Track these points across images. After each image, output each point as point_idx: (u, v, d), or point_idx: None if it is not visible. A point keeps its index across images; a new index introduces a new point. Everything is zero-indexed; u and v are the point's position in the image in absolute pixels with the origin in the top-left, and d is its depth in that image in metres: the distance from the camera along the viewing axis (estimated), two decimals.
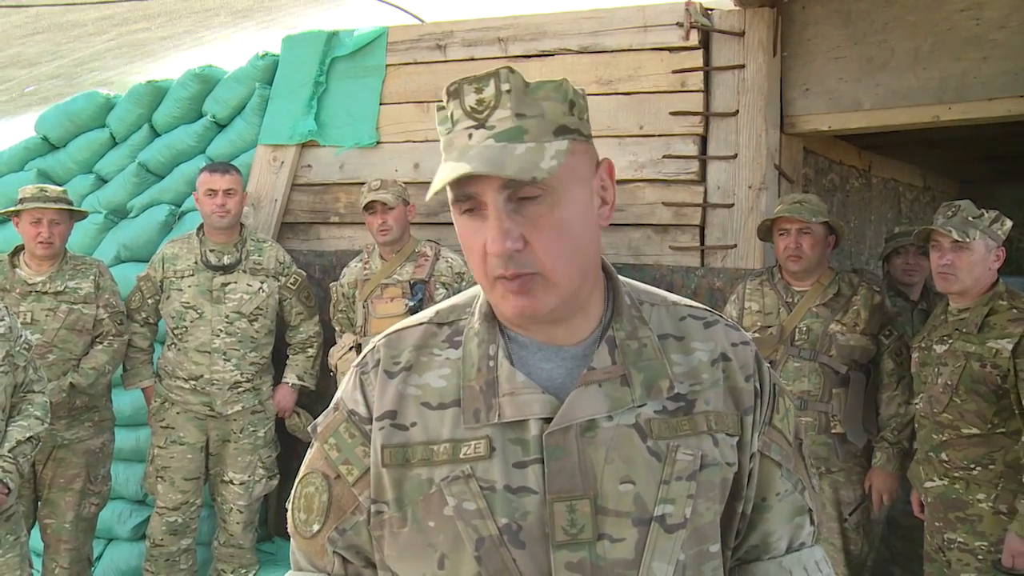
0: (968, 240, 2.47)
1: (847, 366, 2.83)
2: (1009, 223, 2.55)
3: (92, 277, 3.29)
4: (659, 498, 0.93)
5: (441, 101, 0.94)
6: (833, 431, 2.83)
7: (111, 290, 3.34)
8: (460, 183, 0.90)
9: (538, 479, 0.93)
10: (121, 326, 3.35)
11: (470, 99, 0.91)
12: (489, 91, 0.90)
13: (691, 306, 1.06)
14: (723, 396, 1.00)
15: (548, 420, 0.94)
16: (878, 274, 3.80)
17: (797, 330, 2.86)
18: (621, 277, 1.05)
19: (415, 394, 0.99)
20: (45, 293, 3.20)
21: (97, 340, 3.29)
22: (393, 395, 1.00)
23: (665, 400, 0.97)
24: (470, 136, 0.90)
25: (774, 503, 1.03)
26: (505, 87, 0.90)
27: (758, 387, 1.02)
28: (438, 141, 0.95)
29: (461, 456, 0.95)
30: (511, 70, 0.90)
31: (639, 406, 0.96)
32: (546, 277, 0.91)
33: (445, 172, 0.89)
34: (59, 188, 3.35)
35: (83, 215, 3.41)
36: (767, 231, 2.97)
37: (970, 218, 2.51)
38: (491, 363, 0.98)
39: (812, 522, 1.07)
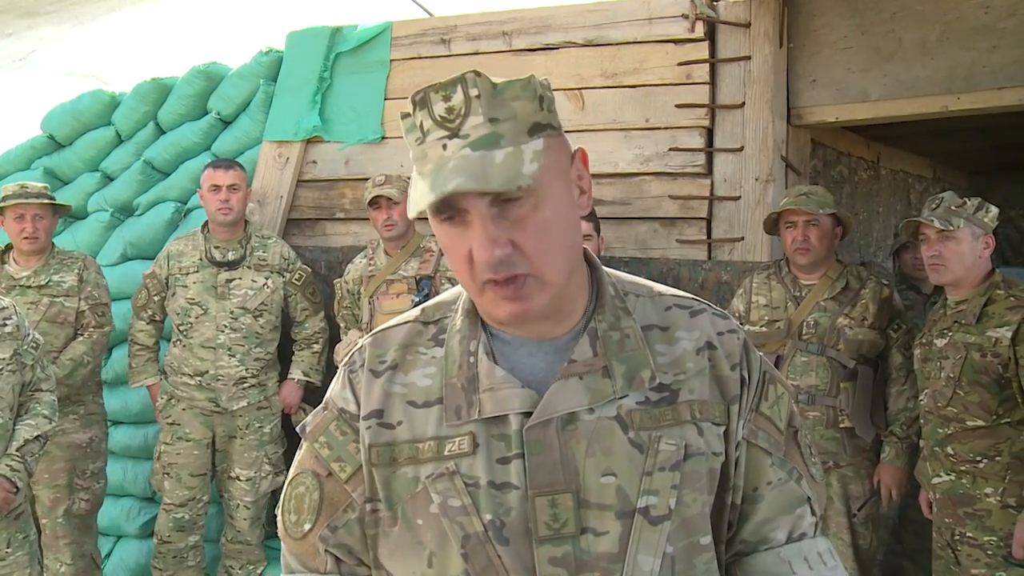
0: (952, 228, 2.48)
1: (855, 360, 2.81)
2: (995, 210, 2.55)
3: (76, 271, 3.33)
4: (642, 490, 0.92)
5: (407, 110, 0.91)
6: (841, 425, 2.81)
7: (95, 283, 3.37)
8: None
9: (520, 474, 0.92)
10: (102, 318, 3.37)
11: (438, 108, 0.88)
12: (457, 98, 0.87)
13: (677, 296, 1.05)
14: (709, 385, 0.98)
15: (529, 414, 0.93)
16: (887, 267, 3.77)
17: (805, 324, 2.84)
18: (606, 268, 1.04)
19: (401, 393, 0.99)
20: (29, 287, 3.26)
21: (79, 332, 3.32)
22: (379, 394, 0.99)
23: (648, 391, 0.95)
24: (444, 147, 0.87)
25: (766, 492, 1.01)
26: (473, 92, 0.87)
27: (745, 375, 1.00)
28: None
29: (445, 453, 0.94)
30: (477, 73, 0.88)
31: (621, 398, 0.94)
32: (537, 277, 0.90)
33: (425, 192, 0.86)
34: (40, 184, 3.39)
35: (67, 209, 3.46)
36: (773, 224, 2.95)
37: (953, 207, 2.52)
38: (471, 359, 0.97)
39: (813, 512, 1.03)
